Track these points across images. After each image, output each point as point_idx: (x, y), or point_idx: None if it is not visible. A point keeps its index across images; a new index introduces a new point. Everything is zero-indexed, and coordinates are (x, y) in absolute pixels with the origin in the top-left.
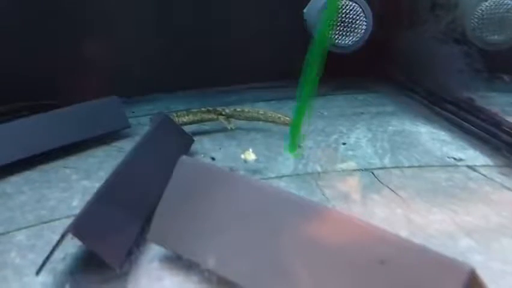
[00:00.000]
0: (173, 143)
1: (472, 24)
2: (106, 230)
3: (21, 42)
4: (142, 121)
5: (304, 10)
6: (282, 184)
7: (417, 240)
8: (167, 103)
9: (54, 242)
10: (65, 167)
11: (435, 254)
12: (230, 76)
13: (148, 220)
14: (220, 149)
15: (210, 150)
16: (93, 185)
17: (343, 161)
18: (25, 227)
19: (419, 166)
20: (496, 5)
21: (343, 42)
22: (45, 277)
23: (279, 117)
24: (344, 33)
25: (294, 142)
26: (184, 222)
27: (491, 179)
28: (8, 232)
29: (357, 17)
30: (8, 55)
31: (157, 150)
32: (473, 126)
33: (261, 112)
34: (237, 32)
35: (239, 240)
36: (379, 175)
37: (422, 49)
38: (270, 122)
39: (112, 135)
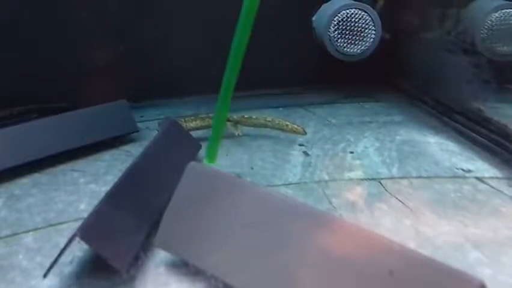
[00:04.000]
0: (181, 148)
1: (482, 35)
2: (113, 234)
3: (32, 45)
4: (150, 125)
5: (313, 18)
6: (289, 192)
7: (426, 252)
8: (175, 108)
9: (61, 244)
10: (73, 170)
11: (445, 267)
12: (238, 82)
13: (155, 225)
14: (227, 155)
15: (217, 156)
16: (100, 188)
17: (350, 169)
18: (33, 230)
19: (428, 177)
20: (506, 16)
21: (352, 50)
22: (52, 280)
23: (287, 125)
24: (353, 42)
25: (213, 151)
26: (191, 228)
27: (500, 191)
28: (16, 234)
29: (366, 26)
30: (19, 58)
31: (165, 155)
32: (482, 138)
33: (268, 119)
34: None
35: (245, 247)
36: (387, 185)
37: (431, 59)
38: (278, 129)
39: (120, 139)
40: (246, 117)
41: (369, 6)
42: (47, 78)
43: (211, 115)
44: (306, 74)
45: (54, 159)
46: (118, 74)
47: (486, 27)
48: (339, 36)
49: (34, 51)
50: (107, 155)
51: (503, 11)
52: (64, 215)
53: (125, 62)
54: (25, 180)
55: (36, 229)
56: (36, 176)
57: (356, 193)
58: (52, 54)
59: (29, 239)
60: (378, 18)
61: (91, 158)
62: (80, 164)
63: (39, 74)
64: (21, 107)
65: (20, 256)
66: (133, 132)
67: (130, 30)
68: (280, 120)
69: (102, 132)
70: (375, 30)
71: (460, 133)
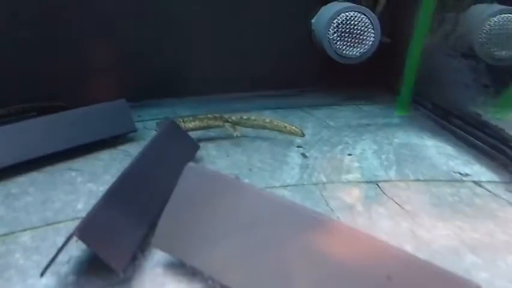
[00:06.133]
0: (179, 148)
1: (480, 40)
2: (111, 234)
3: (31, 44)
4: (148, 125)
5: (312, 20)
6: (286, 193)
7: (422, 255)
8: (173, 108)
9: (58, 244)
10: (70, 170)
11: (443, 271)
12: (237, 83)
13: (152, 225)
14: (227, 156)
15: (215, 157)
16: (98, 188)
17: (348, 172)
18: (30, 229)
19: (425, 180)
20: (504, 21)
21: (350, 53)
22: (49, 279)
23: (285, 126)
24: (352, 45)
25: (405, 101)
26: (188, 228)
27: (498, 196)
28: (13, 233)
29: (365, 29)
30: (18, 56)
31: (163, 156)
32: (480, 142)
33: (267, 120)
34: (244, 40)
35: (243, 249)
36: (384, 188)
37: (430, 63)
38: (276, 130)
39: (119, 139)
40: (244, 118)
41: (368, 9)
42: (45, 77)
43: (209, 115)
44: (305, 76)
45: (52, 158)
46: (117, 73)
47: (484, 31)
48: (338, 38)
49: (33, 49)
50: (105, 155)
51: (501, 15)
52: (61, 214)
53: (124, 61)
54: (22, 179)
55: (33, 228)
56: (33, 175)
57: (354, 195)
58: (51, 53)
59: (26, 237)
60: (378, 21)
61: (89, 157)
62: (78, 163)
63: (38, 72)
64: (19, 105)
65: (17, 255)
66: (131, 132)
67: (129, 29)
68: (278, 121)
69: (100, 131)
70: (374, 33)
71: (458, 137)
